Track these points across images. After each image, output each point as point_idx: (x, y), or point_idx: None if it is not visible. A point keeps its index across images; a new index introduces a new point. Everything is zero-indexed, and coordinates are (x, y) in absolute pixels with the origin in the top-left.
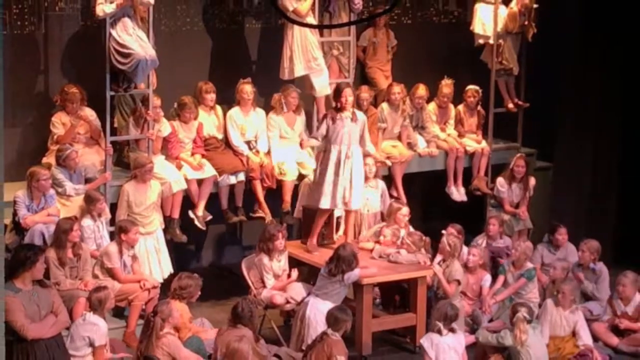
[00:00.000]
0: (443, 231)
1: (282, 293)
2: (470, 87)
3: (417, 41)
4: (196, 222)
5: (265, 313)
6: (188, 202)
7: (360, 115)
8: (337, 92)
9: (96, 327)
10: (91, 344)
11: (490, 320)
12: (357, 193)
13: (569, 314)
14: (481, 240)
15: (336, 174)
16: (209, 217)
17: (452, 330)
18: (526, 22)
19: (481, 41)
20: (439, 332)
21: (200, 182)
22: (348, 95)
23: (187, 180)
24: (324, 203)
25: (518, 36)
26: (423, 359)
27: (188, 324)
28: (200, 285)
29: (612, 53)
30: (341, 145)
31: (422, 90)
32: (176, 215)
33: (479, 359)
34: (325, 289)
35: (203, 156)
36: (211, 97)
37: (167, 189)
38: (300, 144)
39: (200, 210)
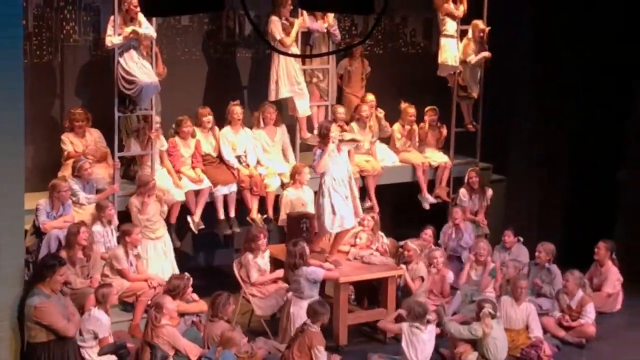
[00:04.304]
0: (402, 242)
1: None
2: (429, 107)
3: (388, 69)
4: (191, 226)
5: (254, 308)
6: (184, 210)
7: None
8: (323, 132)
9: (99, 322)
10: (96, 337)
11: (454, 314)
12: (351, 213)
13: (523, 308)
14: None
15: (332, 198)
16: (202, 226)
17: (428, 322)
18: (483, 48)
19: (450, 72)
20: (419, 329)
21: (197, 192)
22: (332, 131)
23: (185, 191)
24: (335, 227)
25: (475, 66)
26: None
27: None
28: (189, 282)
29: (562, 80)
30: (333, 174)
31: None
32: (173, 220)
33: (451, 348)
34: (297, 288)
35: (201, 170)
36: (208, 119)
37: (169, 198)
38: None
39: (197, 217)
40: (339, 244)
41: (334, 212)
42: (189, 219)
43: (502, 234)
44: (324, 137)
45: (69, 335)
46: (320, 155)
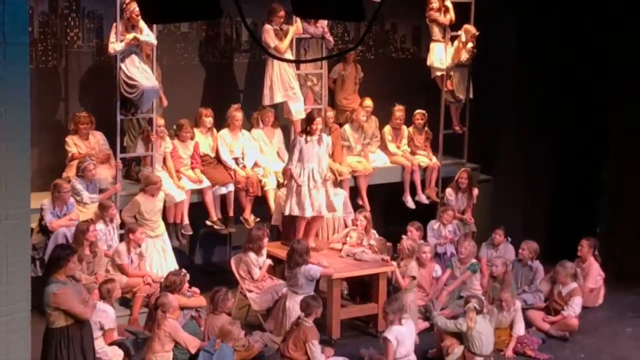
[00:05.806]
0: (404, 236)
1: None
2: (418, 111)
3: (379, 73)
4: (215, 227)
5: (250, 303)
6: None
7: (325, 137)
8: (309, 119)
9: (105, 314)
10: (102, 328)
11: (442, 309)
12: (324, 203)
13: (509, 312)
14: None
15: (307, 187)
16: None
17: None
18: (473, 49)
19: (438, 73)
20: (399, 322)
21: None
22: (318, 123)
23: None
24: (304, 212)
25: (465, 69)
26: (387, 349)
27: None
28: (185, 278)
29: (545, 84)
30: (311, 164)
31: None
32: (180, 221)
33: (438, 342)
34: (294, 284)
35: (200, 171)
36: (209, 120)
37: (171, 199)
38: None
39: (214, 216)
40: (313, 232)
41: (294, 196)
42: (208, 222)
43: (488, 231)
44: (309, 124)
45: (86, 317)
46: (290, 151)
